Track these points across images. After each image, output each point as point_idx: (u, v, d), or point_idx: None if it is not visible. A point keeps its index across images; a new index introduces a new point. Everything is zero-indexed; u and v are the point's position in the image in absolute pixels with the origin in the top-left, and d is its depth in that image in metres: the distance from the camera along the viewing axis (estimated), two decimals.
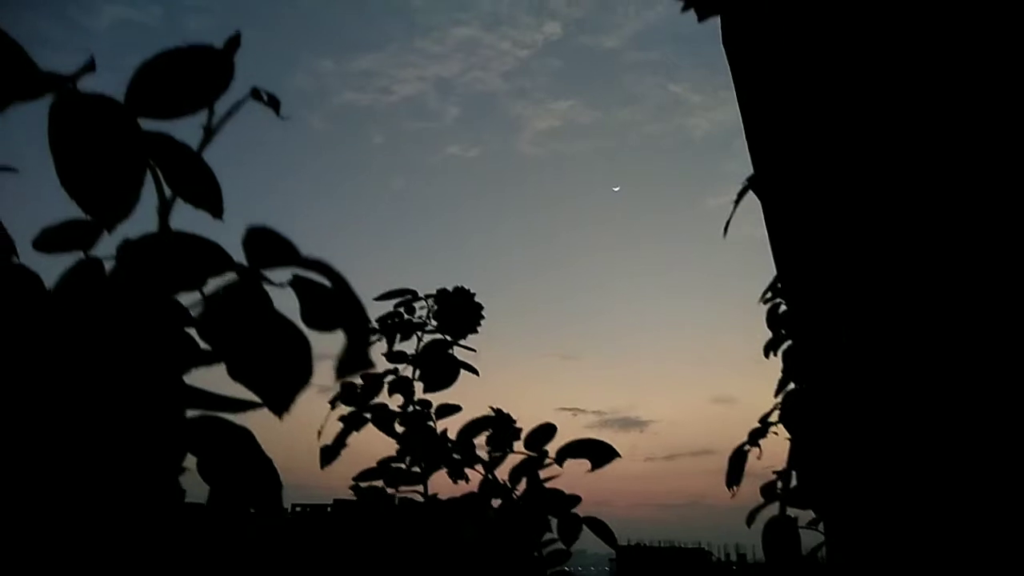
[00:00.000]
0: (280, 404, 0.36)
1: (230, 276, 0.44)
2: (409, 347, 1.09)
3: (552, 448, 0.82)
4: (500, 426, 0.86)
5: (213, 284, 0.45)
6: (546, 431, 0.82)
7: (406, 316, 1.11)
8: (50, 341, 0.44)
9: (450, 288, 1.14)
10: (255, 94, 0.37)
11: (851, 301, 0.53)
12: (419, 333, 1.08)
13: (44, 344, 0.44)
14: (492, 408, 0.90)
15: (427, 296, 1.09)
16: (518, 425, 0.87)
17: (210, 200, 0.40)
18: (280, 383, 0.39)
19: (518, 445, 0.84)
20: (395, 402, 1.09)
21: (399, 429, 0.99)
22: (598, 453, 0.80)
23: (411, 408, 1.01)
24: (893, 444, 0.51)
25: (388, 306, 1.10)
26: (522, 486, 0.80)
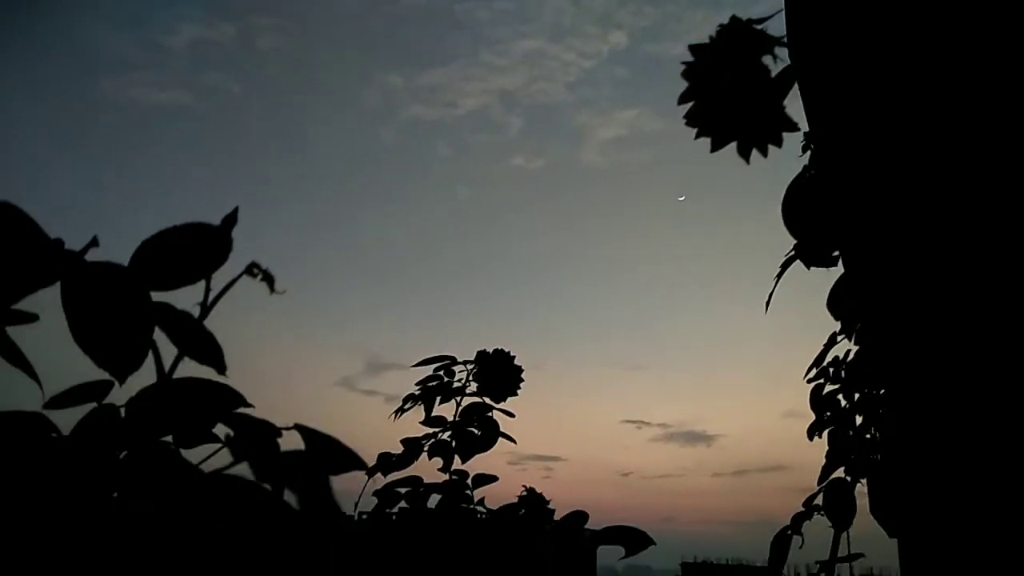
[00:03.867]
0: None
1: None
2: (450, 412, 1.09)
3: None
4: (533, 508, 0.86)
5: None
6: (579, 517, 0.81)
7: (445, 379, 1.12)
8: (66, 483, 0.45)
9: (490, 351, 1.14)
10: (250, 269, 0.38)
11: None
12: (458, 398, 1.09)
13: (60, 487, 0.45)
14: (524, 487, 0.90)
15: (466, 361, 1.10)
16: (551, 506, 0.86)
17: (213, 358, 0.41)
18: None
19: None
20: (435, 465, 1.09)
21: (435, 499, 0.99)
22: (632, 540, 0.79)
23: (450, 476, 1.02)
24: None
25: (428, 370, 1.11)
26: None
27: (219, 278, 0.42)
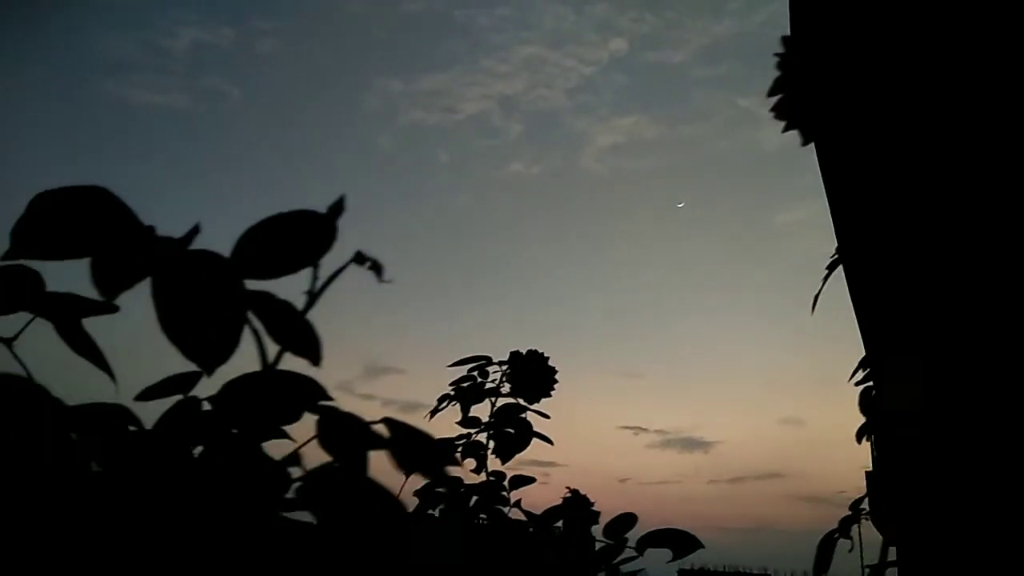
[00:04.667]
0: None
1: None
2: (483, 412, 1.08)
3: (632, 535, 0.80)
4: (577, 510, 0.85)
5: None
6: (626, 520, 0.80)
7: (479, 380, 1.11)
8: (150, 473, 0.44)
9: (523, 351, 1.13)
10: (358, 258, 0.37)
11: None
12: (492, 399, 1.08)
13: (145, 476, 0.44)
14: (568, 489, 0.89)
15: (500, 362, 1.09)
16: (595, 508, 0.85)
17: (310, 351, 0.40)
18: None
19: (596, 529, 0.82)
20: (468, 466, 1.08)
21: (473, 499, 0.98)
22: (680, 543, 0.78)
23: (487, 477, 1.00)
24: None
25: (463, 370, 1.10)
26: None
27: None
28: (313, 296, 0.38)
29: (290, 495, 0.40)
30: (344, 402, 0.45)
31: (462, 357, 1.07)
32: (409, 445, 0.45)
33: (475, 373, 1.09)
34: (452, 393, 1.07)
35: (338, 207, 0.37)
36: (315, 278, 0.37)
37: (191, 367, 0.44)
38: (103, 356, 0.49)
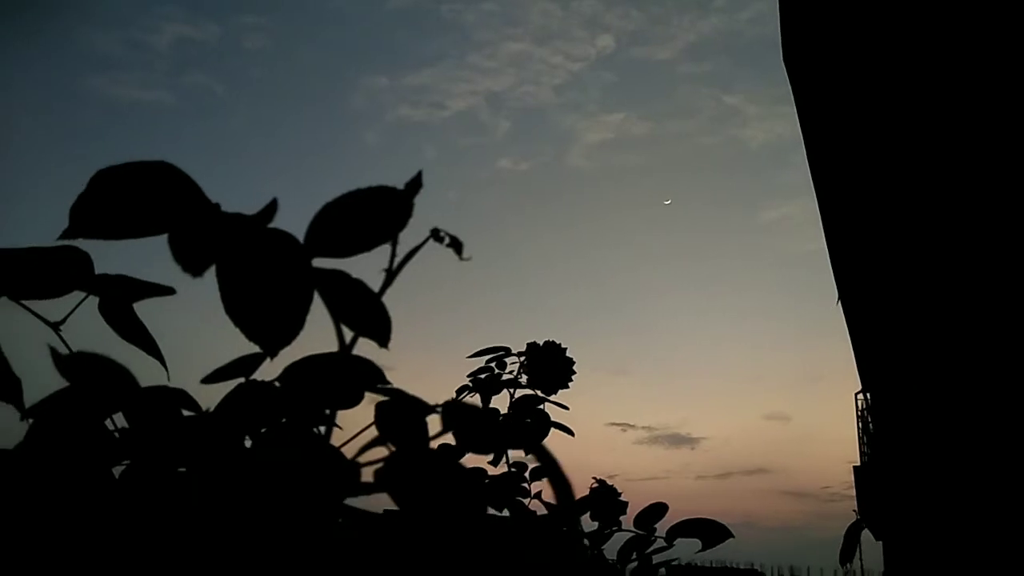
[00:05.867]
0: None
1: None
2: (502, 404, 1.08)
3: (661, 526, 0.80)
4: (605, 500, 0.84)
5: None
6: (656, 510, 0.79)
7: (496, 371, 1.10)
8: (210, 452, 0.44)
9: (540, 343, 1.12)
10: (436, 234, 0.36)
11: None
12: (511, 390, 1.07)
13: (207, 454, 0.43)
14: (595, 479, 0.88)
15: (519, 353, 1.08)
16: (623, 498, 0.85)
17: (379, 332, 0.40)
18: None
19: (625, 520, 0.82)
20: (486, 459, 1.08)
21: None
22: (710, 533, 0.77)
23: (508, 468, 1.00)
24: None
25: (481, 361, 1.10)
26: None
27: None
28: (391, 274, 0.37)
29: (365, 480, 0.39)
30: None
31: (481, 348, 1.06)
32: (472, 426, 0.44)
33: (493, 364, 1.08)
34: (471, 384, 1.06)
35: (415, 183, 0.36)
36: (393, 255, 0.36)
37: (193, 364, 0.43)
38: (154, 342, 0.48)
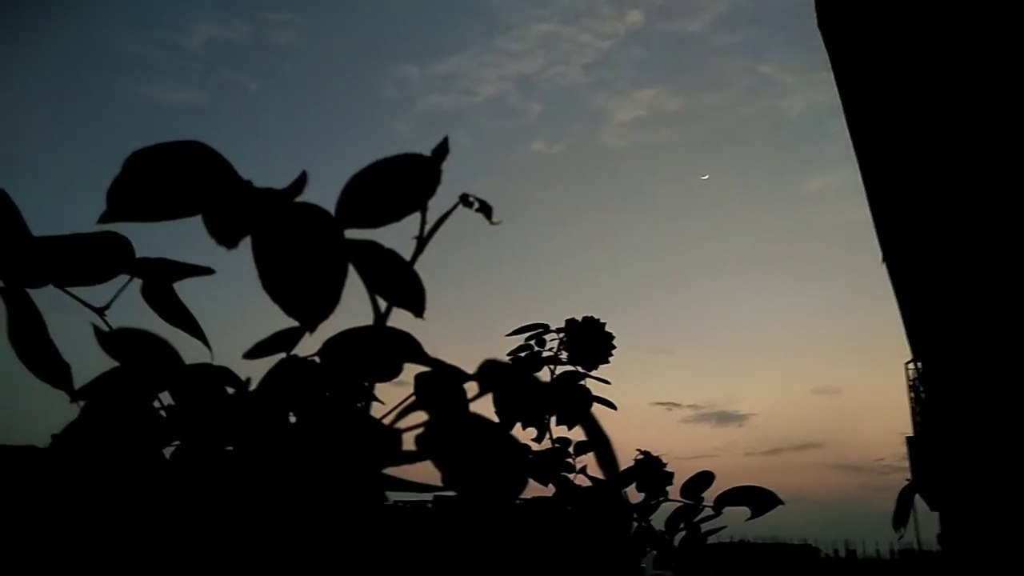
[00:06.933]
0: None
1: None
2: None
3: (709, 495, 0.79)
4: (651, 470, 0.84)
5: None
6: (703, 479, 0.79)
7: (536, 348, 1.10)
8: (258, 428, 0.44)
9: (579, 318, 1.12)
10: (465, 199, 0.36)
11: None
12: (551, 367, 1.07)
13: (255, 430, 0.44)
14: (639, 451, 0.88)
15: (558, 329, 1.08)
16: (668, 469, 0.84)
17: (413, 302, 0.40)
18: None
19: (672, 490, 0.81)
20: (529, 435, 1.08)
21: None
22: (759, 501, 0.77)
23: (552, 443, 1.00)
24: None
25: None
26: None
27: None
28: (422, 242, 0.37)
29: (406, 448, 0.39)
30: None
31: (520, 326, 1.06)
32: (511, 387, 0.44)
33: (532, 342, 1.08)
34: (510, 362, 1.07)
35: (443, 149, 0.36)
36: (423, 223, 0.36)
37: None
38: (196, 322, 0.49)
